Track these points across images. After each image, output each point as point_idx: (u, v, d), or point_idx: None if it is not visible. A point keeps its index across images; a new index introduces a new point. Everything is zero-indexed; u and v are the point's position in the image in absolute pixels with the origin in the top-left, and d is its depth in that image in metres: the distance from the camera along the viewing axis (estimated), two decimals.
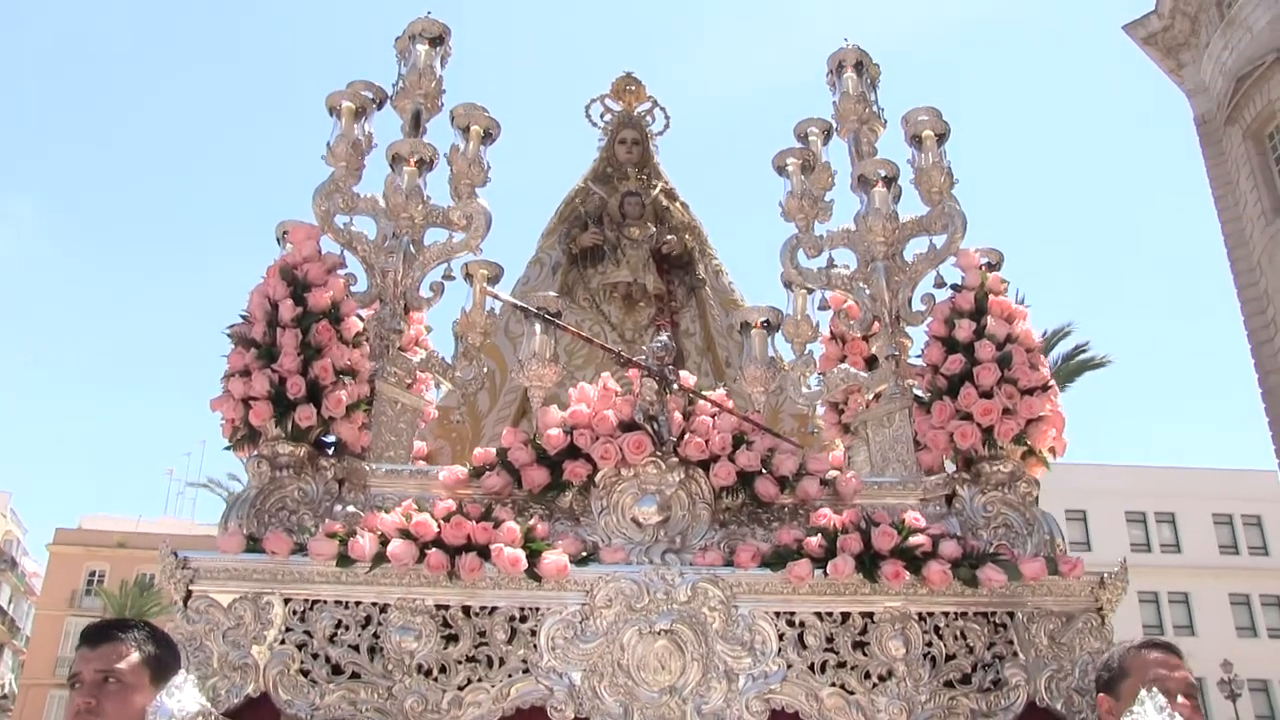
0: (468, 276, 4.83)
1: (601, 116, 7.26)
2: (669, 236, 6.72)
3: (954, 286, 4.49)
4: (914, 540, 3.74)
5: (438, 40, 5.25)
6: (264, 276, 4.31)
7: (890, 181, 4.82)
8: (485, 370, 5.10)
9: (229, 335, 4.22)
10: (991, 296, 4.34)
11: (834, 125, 5.42)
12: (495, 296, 4.68)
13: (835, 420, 5.53)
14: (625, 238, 6.64)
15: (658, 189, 7.00)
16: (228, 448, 4.18)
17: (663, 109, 7.25)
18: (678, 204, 7.05)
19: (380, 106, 5.13)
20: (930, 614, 3.76)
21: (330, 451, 4.17)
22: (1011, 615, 3.79)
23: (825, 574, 3.69)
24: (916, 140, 4.93)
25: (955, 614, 3.78)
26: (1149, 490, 40.61)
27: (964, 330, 4.25)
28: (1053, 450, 4.17)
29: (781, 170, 5.14)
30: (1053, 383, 4.20)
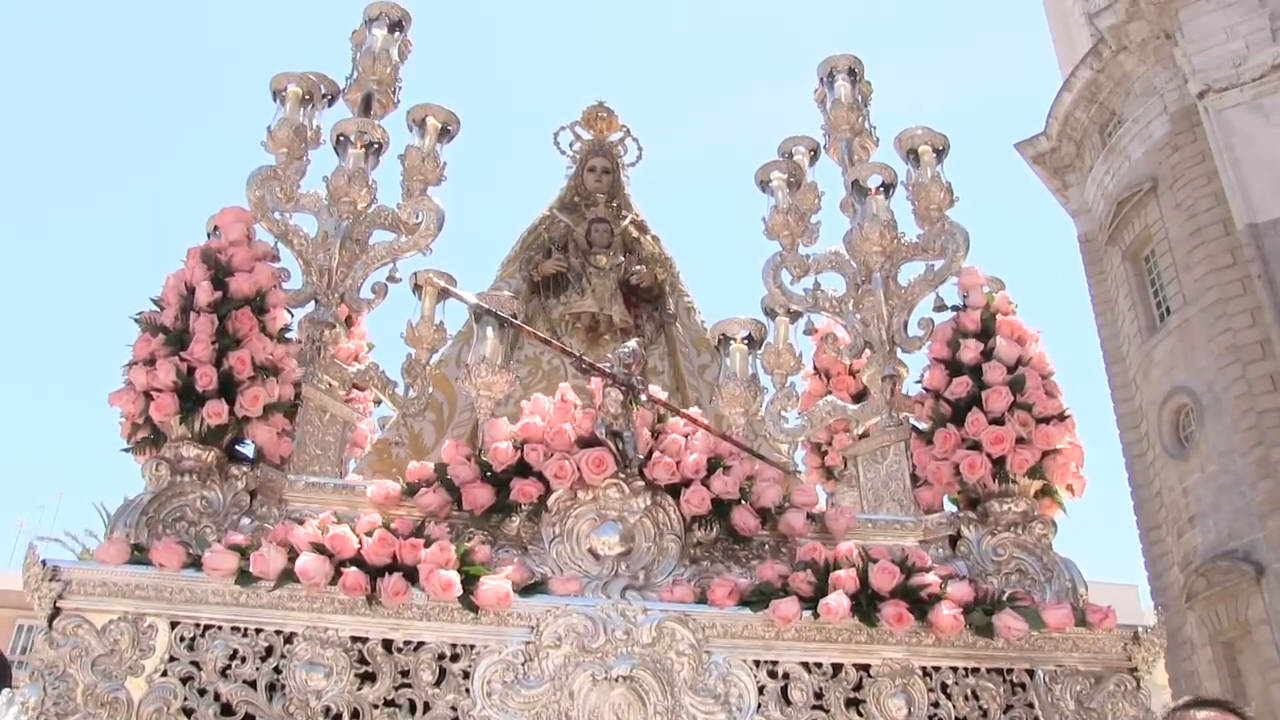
0: (416, 288, 4.36)
1: (571, 145, 6.82)
2: (638, 267, 6.25)
3: (955, 307, 4.04)
4: (919, 579, 3.20)
5: (397, 26, 4.81)
6: (184, 261, 3.79)
7: (888, 189, 4.36)
8: (430, 391, 4.58)
9: (137, 321, 3.68)
10: (999, 316, 3.88)
11: (821, 144, 4.99)
12: (448, 291, 4.16)
13: (818, 464, 5.06)
14: (592, 266, 6.17)
15: (628, 220, 6.55)
16: (126, 449, 3.60)
17: (635, 139, 6.83)
18: (649, 236, 6.59)
19: (331, 102, 4.68)
20: (936, 669, 3.23)
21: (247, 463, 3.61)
22: (1031, 674, 3.27)
23: (815, 615, 3.15)
24: (913, 155, 4.50)
25: (965, 670, 3.25)
26: None
27: (970, 351, 3.77)
28: (1070, 489, 3.67)
29: (765, 185, 4.73)
30: (1070, 412, 3.71)
